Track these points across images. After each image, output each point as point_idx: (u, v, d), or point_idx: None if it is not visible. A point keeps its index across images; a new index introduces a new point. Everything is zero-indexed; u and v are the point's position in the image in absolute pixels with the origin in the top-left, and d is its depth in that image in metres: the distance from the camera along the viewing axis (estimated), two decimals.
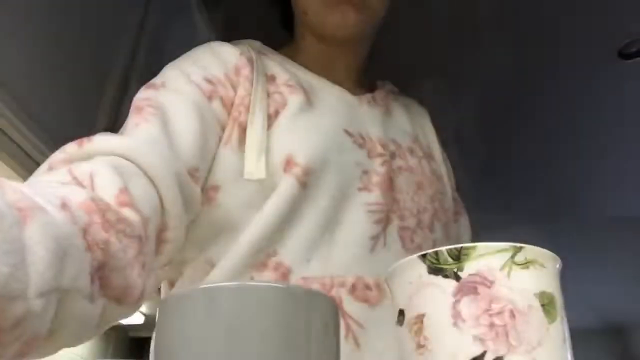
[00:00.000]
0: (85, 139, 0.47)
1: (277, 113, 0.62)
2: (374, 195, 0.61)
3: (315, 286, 0.55)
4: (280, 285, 0.28)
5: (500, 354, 0.29)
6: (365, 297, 0.55)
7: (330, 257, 0.57)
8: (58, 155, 0.47)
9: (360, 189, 0.61)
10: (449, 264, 0.31)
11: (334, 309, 0.30)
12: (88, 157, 0.46)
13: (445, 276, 0.31)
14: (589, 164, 2.71)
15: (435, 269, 0.32)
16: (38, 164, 0.55)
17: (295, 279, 0.55)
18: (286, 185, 0.57)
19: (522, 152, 2.57)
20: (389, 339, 0.50)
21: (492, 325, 0.29)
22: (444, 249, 0.32)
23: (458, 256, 0.31)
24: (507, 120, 2.28)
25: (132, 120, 0.55)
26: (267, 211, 0.56)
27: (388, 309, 0.53)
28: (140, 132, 0.52)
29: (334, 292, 0.55)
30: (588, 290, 4.79)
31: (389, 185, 0.63)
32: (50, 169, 0.45)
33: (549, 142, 2.49)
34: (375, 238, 0.59)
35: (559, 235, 3.59)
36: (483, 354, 0.29)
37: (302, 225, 0.57)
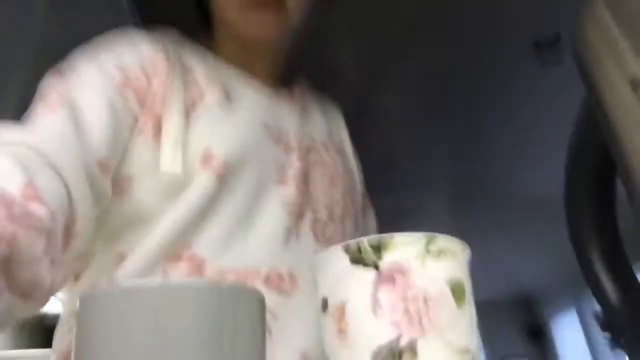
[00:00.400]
0: None
1: (194, 106, 0.61)
2: (289, 189, 0.63)
3: (230, 276, 0.56)
4: (205, 283, 0.28)
5: (413, 337, 0.31)
6: (279, 287, 0.57)
7: (245, 248, 0.57)
8: None
9: (276, 183, 0.63)
10: (370, 254, 0.33)
11: (261, 303, 0.31)
12: None
13: (366, 266, 0.33)
14: (505, 146, 2.87)
15: (357, 259, 0.34)
16: None
17: (210, 269, 0.55)
18: (203, 180, 0.56)
19: (442, 132, 2.68)
20: (300, 328, 0.55)
21: (407, 311, 0.32)
22: (365, 239, 0.34)
23: (378, 247, 0.33)
24: (430, 95, 2.35)
25: (39, 112, 0.53)
26: (183, 205, 0.56)
27: (300, 299, 0.57)
28: (45, 124, 0.51)
29: (249, 282, 0.56)
30: (500, 265, 5.13)
31: (304, 179, 0.65)
32: None
33: (468, 124, 2.61)
34: (289, 230, 0.61)
35: (475, 212, 3.80)
36: (398, 338, 0.31)
37: (218, 218, 0.57)
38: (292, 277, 0.58)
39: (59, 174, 0.46)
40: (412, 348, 0.31)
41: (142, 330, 0.25)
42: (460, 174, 3.07)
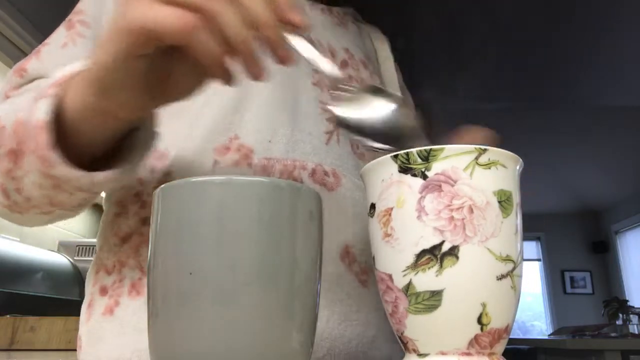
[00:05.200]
0: (20, 69, 0.57)
1: None
2: (326, 96, 0.63)
3: (279, 167, 0.57)
4: (265, 179, 0.30)
5: (456, 243, 0.33)
6: (324, 182, 0.58)
7: (291, 140, 0.59)
8: (5, 86, 0.55)
9: (314, 84, 0.63)
10: (418, 164, 0.34)
11: (318, 200, 0.33)
12: (30, 82, 0.55)
13: (414, 175, 0.34)
14: (587, 51, 2.67)
15: (405, 169, 0.35)
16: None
17: (257, 160, 0.56)
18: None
19: (513, 38, 2.52)
20: (343, 224, 0.58)
21: (451, 219, 0.33)
22: (414, 150, 0.35)
23: (427, 157, 0.34)
24: (496, 5, 2.20)
25: (61, 38, 0.59)
26: (219, 94, 0.58)
27: (344, 196, 0.59)
28: (65, 55, 0.57)
29: (296, 173, 0.57)
30: (567, 177, 4.97)
31: None
32: (7, 97, 0.54)
33: (550, 28, 2.43)
34: (329, 133, 0.62)
35: (544, 124, 3.63)
36: (441, 243, 0.33)
37: (258, 107, 0.59)
38: (336, 175, 0.60)
39: None
40: (454, 253, 0.33)
41: (210, 218, 0.29)
42: (544, 77, 2.91)
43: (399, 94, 0.76)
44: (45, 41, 0.60)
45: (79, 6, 0.62)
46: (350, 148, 0.63)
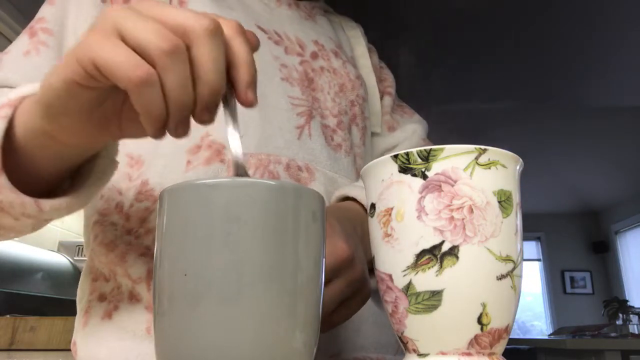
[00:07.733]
0: None
1: (182, 2, 0.62)
2: (296, 90, 0.64)
3: (253, 161, 0.56)
4: (270, 181, 0.31)
5: (456, 243, 0.33)
6: (298, 177, 0.59)
7: (263, 135, 0.58)
8: None
9: (282, 79, 0.63)
10: (418, 164, 0.34)
11: (321, 201, 0.33)
12: None
13: (414, 175, 0.34)
14: (587, 51, 2.68)
15: (405, 169, 0.35)
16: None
17: (230, 155, 0.56)
18: None
19: (514, 39, 2.53)
20: None
21: (451, 219, 0.33)
22: (414, 150, 0.35)
23: (427, 157, 0.34)
24: (496, 6, 2.21)
25: (24, 46, 0.58)
26: None
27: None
28: (28, 64, 0.56)
29: (272, 167, 0.57)
30: (568, 177, 4.97)
31: (308, 84, 0.66)
32: None
33: (542, 30, 2.44)
34: (300, 128, 0.62)
35: (543, 123, 3.64)
36: (441, 243, 0.33)
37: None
38: (310, 170, 0.60)
39: None
40: (454, 253, 0.33)
41: (215, 220, 0.29)
42: (537, 78, 2.91)
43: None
44: (7, 49, 0.58)
45: (40, 13, 0.60)
46: (323, 140, 0.64)
